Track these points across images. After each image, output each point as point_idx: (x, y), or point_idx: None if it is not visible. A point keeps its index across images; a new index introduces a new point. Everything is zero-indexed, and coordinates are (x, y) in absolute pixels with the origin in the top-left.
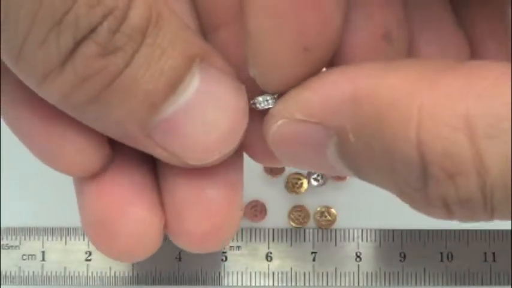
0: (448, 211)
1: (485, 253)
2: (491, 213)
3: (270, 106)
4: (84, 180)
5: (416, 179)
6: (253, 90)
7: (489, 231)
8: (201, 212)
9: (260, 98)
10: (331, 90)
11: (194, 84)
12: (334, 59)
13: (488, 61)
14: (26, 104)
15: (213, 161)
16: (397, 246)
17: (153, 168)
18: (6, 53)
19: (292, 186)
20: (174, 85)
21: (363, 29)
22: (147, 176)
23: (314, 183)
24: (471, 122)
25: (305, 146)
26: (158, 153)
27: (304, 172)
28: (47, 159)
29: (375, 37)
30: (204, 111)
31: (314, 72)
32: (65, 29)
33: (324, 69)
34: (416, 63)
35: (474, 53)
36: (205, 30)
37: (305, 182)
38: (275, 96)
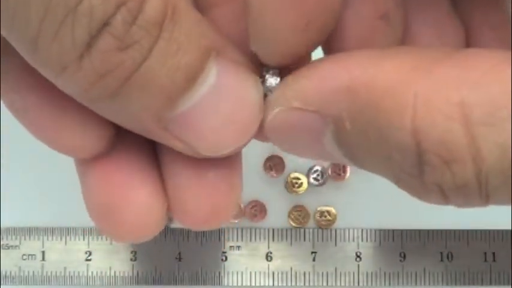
0: (443, 197)
1: (485, 253)
2: (486, 199)
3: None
4: (87, 164)
5: (412, 165)
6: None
7: (489, 231)
8: (201, 194)
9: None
10: (328, 78)
11: (211, 79)
12: (333, 38)
13: (485, 49)
14: (29, 86)
15: (229, 153)
16: (397, 246)
17: (154, 151)
18: (22, 47)
19: (292, 186)
20: (191, 80)
21: (361, 9)
22: (148, 159)
23: (314, 183)
24: (466, 110)
25: (302, 134)
26: (174, 144)
27: (304, 172)
28: (50, 141)
29: (372, 17)
30: (220, 105)
31: (314, 45)
32: (80, 19)
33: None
34: (411, 51)
35: (469, 38)
36: (200, 7)
37: (305, 182)
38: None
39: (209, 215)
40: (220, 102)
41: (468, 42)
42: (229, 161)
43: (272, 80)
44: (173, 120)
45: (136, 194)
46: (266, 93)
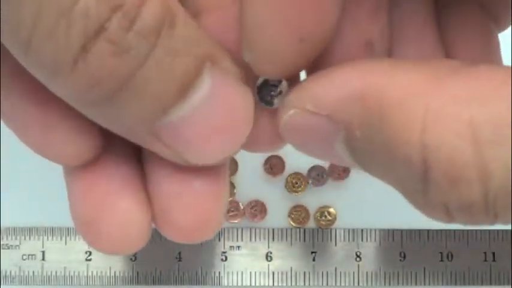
0: (448, 216)
1: (485, 253)
2: (494, 218)
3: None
4: (72, 172)
5: (418, 182)
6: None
7: (489, 231)
8: (187, 204)
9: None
10: (341, 85)
11: (204, 88)
12: (317, 64)
13: (490, 66)
14: (18, 93)
15: (216, 162)
16: (397, 246)
17: (140, 160)
18: (15, 47)
19: (292, 186)
20: (185, 89)
21: (347, 36)
22: (133, 168)
23: (314, 183)
24: (475, 128)
25: (315, 137)
26: (163, 151)
27: (304, 172)
28: (38, 147)
29: (357, 44)
30: (212, 115)
31: (308, 61)
32: (75, 21)
33: None
34: (425, 64)
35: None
36: (191, 12)
37: (305, 182)
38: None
39: (194, 226)
40: (212, 112)
41: None
42: (215, 171)
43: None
44: (164, 127)
45: (119, 204)
46: (270, 101)
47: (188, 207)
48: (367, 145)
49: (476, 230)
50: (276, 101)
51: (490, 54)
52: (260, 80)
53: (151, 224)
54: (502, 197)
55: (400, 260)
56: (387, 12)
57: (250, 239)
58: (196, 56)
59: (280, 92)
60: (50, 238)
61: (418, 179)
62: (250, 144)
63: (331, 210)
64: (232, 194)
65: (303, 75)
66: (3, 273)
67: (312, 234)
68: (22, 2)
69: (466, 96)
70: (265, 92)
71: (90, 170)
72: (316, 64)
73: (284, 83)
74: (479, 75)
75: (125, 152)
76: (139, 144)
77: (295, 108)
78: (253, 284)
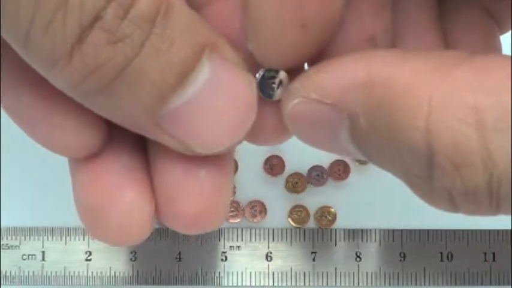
0: (452, 203)
1: (485, 253)
2: (496, 207)
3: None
4: (77, 164)
5: (422, 168)
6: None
7: (489, 231)
8: (192, 194)
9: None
10: (346, 73)
11: (203, 76)
12: (320, 59)
13: (496, 56)
14: (23, 85)
15: (222, 150)
16: (397, 246)
17: (144, 151)
18: (14, 40)
19: (292, 186)
20: (183, 76)
21: (351, 31)
22: (137, 159)
23: (314, 183)
24: (480, 115)
25: (319, 126)
26: (166, 141)
27: (304, 172)
28: (43, 139)
29: (360, 39)
30: (213, 102)
31: (313, 50)
32: (71, 12)
33: None
34: (431, 54)
35: None
36: (194, 4)
37: (305, 182)
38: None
39: (198, 216)
40: (214, 99)
41: None
42: (220, 161)
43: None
44: (166, 116)
45: (123, 195)
46: (269, 92)
47: (192, 197)
48: (372, 133)
49: (476, 230)
50: (276, 92)
51: (493, 42)
52: (260, 73)
53: (154, 215)
54: (505, 184)
55: (400, 260)
56: (391, 9)
57: (250, 239)
58: (194, 43)
59: (281, 83)
60: (50, 238)
61: (422, 165)
62: (253, 136)
63: (331, 210)
64: (232, 194)
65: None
66: (3, 273)
67: (312, 234)
68: None
69: (471, 84)
70: (266, 84)
71: (94, 161)
72: (320, 58)
73: (283, 74)
74: (486, 66)
75: (129, 143)
76: (146, 136)
77: (299, 97)
78: (253, 284)
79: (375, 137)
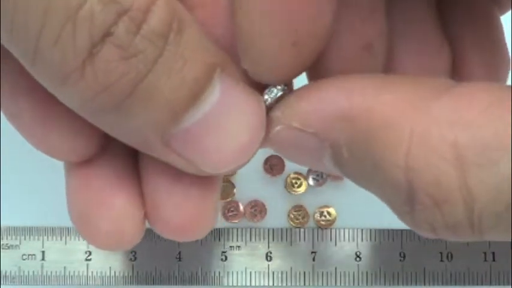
0: (434, 233)
1: (485, 253)
2: (480, 236)
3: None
4: (71, 168)
5: (404, 202)
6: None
7: None
8: (177, 201)
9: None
10: (327, 103)
11: (215, 95)
12: (316, 67)
13: (479, 85)
14: (23, 92)
15: (230, 171)
16: (397, 246)
17: (136, 157)
18: (22, 55)
19: (292, 186)
20: (196, 95)
21: (345, 40)
22: (129, 165)
23: (314, 183)
24: (459, 151)
25: (302, 152)
26: (174, 160)
27: (304, 172)
28: (41, 145)
29: (356, 47)
30: (224, 122)
31: (304, 65)
32: (81, 26)
33: None
34: (411, 82)
35: (456, 62)
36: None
37: (305, 182)
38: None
39: (184, 223)
40: (224, 118)
41: (455, 65)
42: None
43: (274, 93)
44: (176, 136)
45: (113, 200)
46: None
47: (179, 204)
48: (354, 163)
49: None
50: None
51: (495, 40)
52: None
53: (145, 220)
54: (486, 218)
55: (400, 260)
56: (385, 12)
57: (250, 239)
58: (206, 62)
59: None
60: (49, 238)
61: (404, 200)
62: None
63: (331, 210)
64: (232, 194)
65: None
66: (3, 273)
67: (312, 234)
68: (28, 10)
69: (450, 119)
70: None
71: (87, 167)
72: (317, 68)
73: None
74: (465, 97)
75: (122, 150)
76: (154, 156)
77: (281, 125)
78: (253, 284)
79: (356, 167)
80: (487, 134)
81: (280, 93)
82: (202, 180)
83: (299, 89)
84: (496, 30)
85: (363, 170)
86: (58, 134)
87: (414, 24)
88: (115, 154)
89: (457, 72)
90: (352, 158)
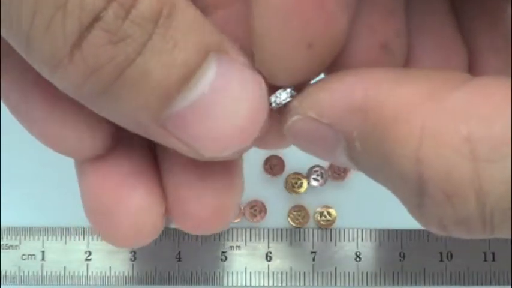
0: (443, 229)
1: (485, 253)
2: (491, 233)
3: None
4: (85, 165)
5: (413, 195)
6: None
7: None
8: (203, 195)
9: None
10: (344, 95)
11: (209, 77)
12: (334, 68)
13: (493, 79)
14: (30, 86)
15: (232, 155)
16: (397, 246)
17: (153, 151)
18: (17, 43)
19: (292, 186)
20: (187, 78)
21: (363, 39)
22: (147, 159)
23: (314, 183)
24: (472, 145)
25: (317, 142)
26: (174, 144)
27: (304, 172)
28: (50, 141)
29: (374, 47)
30: (219, 104)
31: (319, 68)
32: (71, 12)
33: None
34: (426, 75)
35: (472, 61)
36: (202, 9)
37: (305, 182)
38: (289, 91)
39: (210, 216)
40: (219, 101)
41: (471, 65)
42: (230, 161)
43: (284, 95)
44: (171, 119)
45: (133, 196)
46: (278, 106)
47: (204, 198)
48: (366, 156)
49: None
50: (274, 100)
51: (510, 35)
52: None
53: (164, 215)
54: (499, 214)
55: (400, 260)
56: (404, 12)
57: (250, 239)
58: (198, 44)
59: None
60: (49, 238)
61: (414, 193)
62: (256, 140)
63: (331, 210)
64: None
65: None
66: (3, 273)
67: (312, 234)
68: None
69: (465, 112)
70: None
71: (103, 163)
72: (333, 68)
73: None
74: (480, 91)
75: (137, 144)
76: (154, 140)
77: (298, 115)
78: (253, 283)
79: (369, 160)
80: (501, 128)
81: (287, 100)
82: (225, 173)
83: (318, 81)
84: (510, 25)
85: (374, 162)
86: (70, 130)
87: (430, 22)
88: (130, 148)
89: (472, 69)
90: (365, 150)
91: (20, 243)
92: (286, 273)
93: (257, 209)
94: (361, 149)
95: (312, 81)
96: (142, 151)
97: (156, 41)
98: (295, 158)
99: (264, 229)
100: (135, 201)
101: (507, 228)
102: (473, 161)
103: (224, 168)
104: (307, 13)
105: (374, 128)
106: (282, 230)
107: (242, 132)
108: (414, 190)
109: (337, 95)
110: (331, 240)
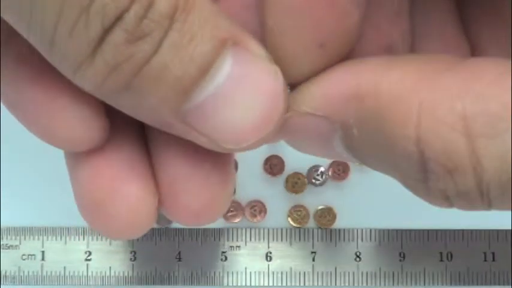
0: (448, 202)
1: (485, 253)
2: (488, 205)
3: None
4: (78, 158)
5: (417, 173)
6: None
7: (489, 231)
8: (196, 186)
9: None
10: (336, 85)
11: (226, 69)
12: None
13: (487, 59)
14: (24, 80)
15: (252, 145)
16: (397, 246)
17: (145, 144)
18: (41, 46)
19: (292, 186)
20: (205, 70)
21: (368, 40)
22: (140, 152)
23: (314, 183)
24: (468, 121)
25: (313, 137)
26: (195, 138)
27: (304, 172)
28: (44, 133)
29: (379, 49)
30: (237, 95)
31: (330, 66)
32: (94, 16)
33: None
34: (417, 60)
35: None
36: None
37: (305, 182)
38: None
39: (202, 208)
40: (238, 92)
41: None
42: (222, 153)
43: None
44: (190, 112)
45: (126, 188)
46: None
47: (198, 190)
48: (365, 141)
49: (476, 230)
50: None
51: None
52: None
53: (157, 208)
54: (494, 188)
55: (400, 260)
56: (409, 14)
57: (250, 239)
58: (214, 37)
59: None
60: (49, 238)
61: (417, 170)
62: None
63: (331, 210)
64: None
65: None
66: (3, 273)
67: (312, 234)
68: (45, 2)
69: (459, 90)
70: None
71: (96, 156)
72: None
73: None
74: (473, 69)
75: (130, 137)
76: (176, 135)
77: (292, 111)
78: (253, 283)
79: (368, 145)
80: (495, 105)
81: None
82: (220, 163)
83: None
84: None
85: (374, 147)
86: (64, 121)
87: (434, 22)
88: (123, 141)
89: None
90: (363, 136)
91: (20, 243)
92: (286, 273)
93: (257, 209)
94: (358, 136)
95: None
96: (136, 144)
97: (172, 36)
98: (295, 158)
99: (264, 229)
100: (130, 192)
101: (502, 202)
102: (469, 136)
103: (216, 161)
104: (318, 12)
105: (371, 112)
106: (282, 230)
107: (261, 122)
108: (417, 167)
109: (330, 87)
110: (331, 240)
